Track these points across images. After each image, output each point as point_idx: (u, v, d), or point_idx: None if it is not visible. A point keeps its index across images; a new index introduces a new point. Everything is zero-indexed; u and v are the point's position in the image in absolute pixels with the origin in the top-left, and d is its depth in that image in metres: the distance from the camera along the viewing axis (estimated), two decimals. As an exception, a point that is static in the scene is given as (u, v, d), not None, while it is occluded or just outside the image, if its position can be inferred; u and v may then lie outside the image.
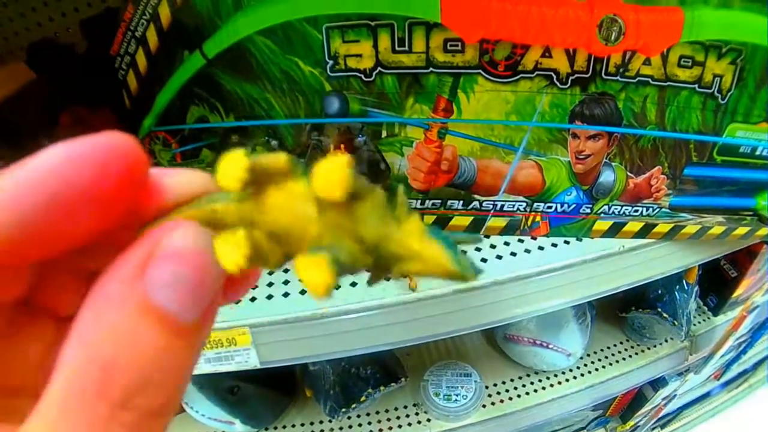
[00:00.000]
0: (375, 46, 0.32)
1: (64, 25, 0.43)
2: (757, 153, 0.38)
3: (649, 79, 0.34)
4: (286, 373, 0.62)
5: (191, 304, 0.10)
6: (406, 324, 0.37)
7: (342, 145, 0.37)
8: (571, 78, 0.33)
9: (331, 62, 0.33)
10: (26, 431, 0.09)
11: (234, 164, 0.11)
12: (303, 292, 0.37)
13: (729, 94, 0.35)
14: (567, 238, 0.41)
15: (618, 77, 0.33)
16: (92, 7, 0.44)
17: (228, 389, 0.53)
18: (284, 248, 0.12)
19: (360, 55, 0.33)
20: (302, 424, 0.61)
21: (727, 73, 0.34)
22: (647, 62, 0.33)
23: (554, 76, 0.33)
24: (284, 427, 0.61)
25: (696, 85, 0.34)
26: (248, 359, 0.37)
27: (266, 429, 0.61)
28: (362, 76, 0.33)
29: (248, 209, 0.12)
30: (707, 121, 0.36)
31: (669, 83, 0.34)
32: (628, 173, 0.38)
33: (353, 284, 0.37)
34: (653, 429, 0.97)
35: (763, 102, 0.35)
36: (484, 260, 0.39)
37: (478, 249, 0.40)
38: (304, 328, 0.36)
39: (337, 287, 0.37)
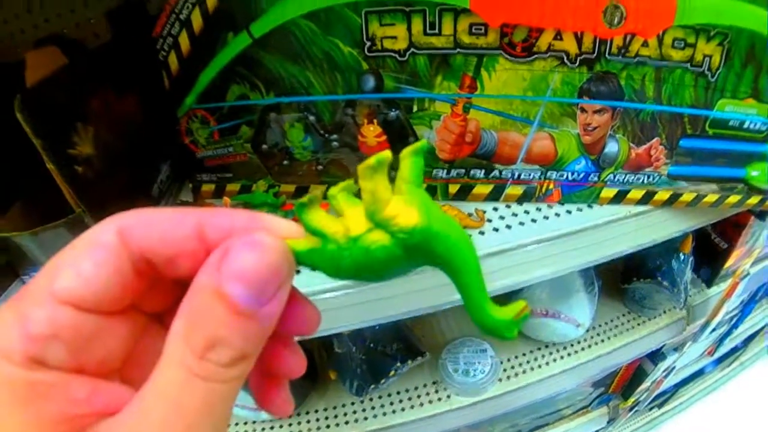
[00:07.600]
0: (409, 29, 0.36)
1: (81, 18, 0.44)
2: (745, 126, 0.41)
3: (647, 59, 0.38)
4: (307, 357, 0.64)
5: (253, 297, 0.13)
6: (420, 293, 0.40)
7: (375, 120, 0.40)
8: (579, 58, 0.37)
9: (368, 43, 0.36)
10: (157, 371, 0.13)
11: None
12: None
13: (717, 72, 0.38)
14: (575, 206, 0.45)
15: (620, 57, 0.37)
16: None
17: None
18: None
19: (395, 37, 0.36)
20: (325, 409, 0.62)
21: (715, 54, 0.38)
22: (645, 44, 0.37)
23: (565, 57, 0.37)
24: (307, 412, 0.61)
25: (688, 65, 0.38)
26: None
27: (289, 416, 0.61)
28: (397, 56, 0.37)
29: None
30: (699, 96, 0.39)
31: (664, 63, 0.38)
32: (630, 144, 0.42)
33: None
34: (651, 408, 1.01)
35: (748, 79, 0.39)
36: (508, 227, 0.42)
37: (501, 218, 0.43)
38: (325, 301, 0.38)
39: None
